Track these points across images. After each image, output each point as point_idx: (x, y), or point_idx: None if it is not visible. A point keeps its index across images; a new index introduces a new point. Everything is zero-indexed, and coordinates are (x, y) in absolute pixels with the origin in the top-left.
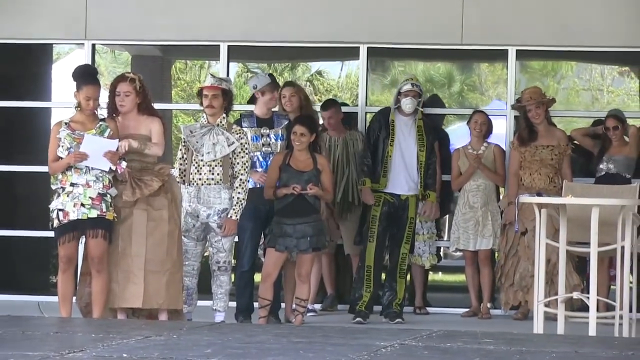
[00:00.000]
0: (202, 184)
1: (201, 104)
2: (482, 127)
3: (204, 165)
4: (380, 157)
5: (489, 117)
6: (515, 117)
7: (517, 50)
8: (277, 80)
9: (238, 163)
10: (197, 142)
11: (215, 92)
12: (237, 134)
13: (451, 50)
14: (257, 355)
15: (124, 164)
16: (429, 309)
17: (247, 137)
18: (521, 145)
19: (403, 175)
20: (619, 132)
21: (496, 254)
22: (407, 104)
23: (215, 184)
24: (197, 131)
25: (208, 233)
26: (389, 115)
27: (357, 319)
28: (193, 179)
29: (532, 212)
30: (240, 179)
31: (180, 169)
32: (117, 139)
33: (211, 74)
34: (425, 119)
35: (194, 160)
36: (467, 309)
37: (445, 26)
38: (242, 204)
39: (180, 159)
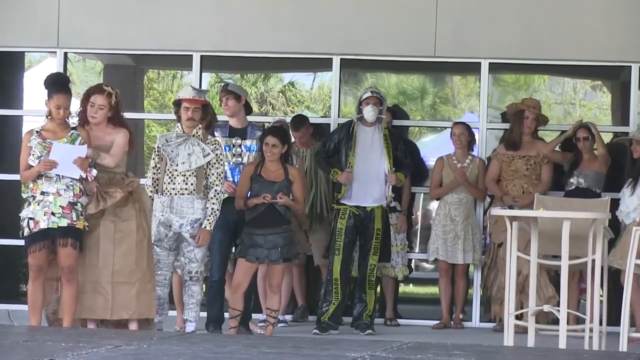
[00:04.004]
0: (176, 194)
1: (176, 113)
2: (461, 137)
3: (177, 175)
4: (343, 168)
5: (471, 128)
6: (488, 129)
7: (489, 63)
8: (230, 87)
9: (213, 174)
10: (172, 151)
11: (197, 105)
12: (213, 144)
13: (424, 63)
14: None
15: (94, 171)
16: (400, 321)
17: (222, 148)
18: (508, 149)
19: (368, 187)
20: (588, 144)
21: (471, 267)
22: (369, 111)
23: (188, 194)
24: (173, 141)
25: (180, 243)
26: (351, 127)
27: (315, 330)
28: (166, 188)
29: (505, 225)
30: (215, 190)
31: (153, 178)
32: (87, 145)
33: (192, 87)
34: (391, 128)
35: (168, 169)
36: (438, 321)
37: (418, 38)
38: (216, 215)
39: (153, 167)
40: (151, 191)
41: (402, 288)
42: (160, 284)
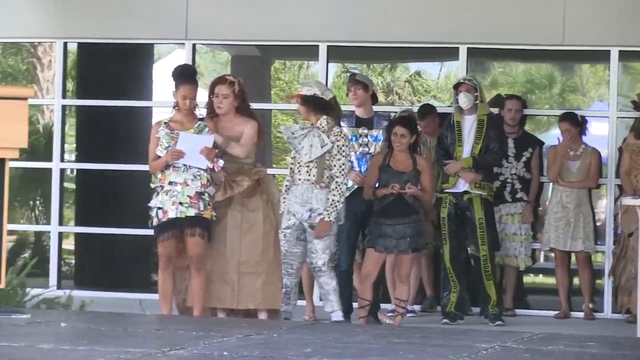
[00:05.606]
0: (301, 184)
1: None
2: (566, 134)
3: (303, 166)
4: (452, 159)
5: (577, 117)
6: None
7: (619, 51)
8: (357, 77)
9: (335, 165)
10: (299, 143)
11: (297, 99)
12: (335, 136)
13: (552, 51)
14: (357, 355)
15: (221, 162)
16: (527, 311)
17: (345, 140)
18: (637, 138)
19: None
20: None
21: (600, 256)
22: (462, 98)
23: (310, 184)
24: (298, 132)
25: (306, 233)
26: (453, 117)
27: (445, 320)
28: (295, 178)
29: (636, 214)
30: (336, 182)
31: (291, 168)
32: (213, 135)
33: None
34: (493, 115)
35: (297, 160)
36: (557, 312)
37: (546, 26)
38: (336, 206)
39: (292, 158)
40: (288, 180)
41: (531, 278)
42: (287, 274)
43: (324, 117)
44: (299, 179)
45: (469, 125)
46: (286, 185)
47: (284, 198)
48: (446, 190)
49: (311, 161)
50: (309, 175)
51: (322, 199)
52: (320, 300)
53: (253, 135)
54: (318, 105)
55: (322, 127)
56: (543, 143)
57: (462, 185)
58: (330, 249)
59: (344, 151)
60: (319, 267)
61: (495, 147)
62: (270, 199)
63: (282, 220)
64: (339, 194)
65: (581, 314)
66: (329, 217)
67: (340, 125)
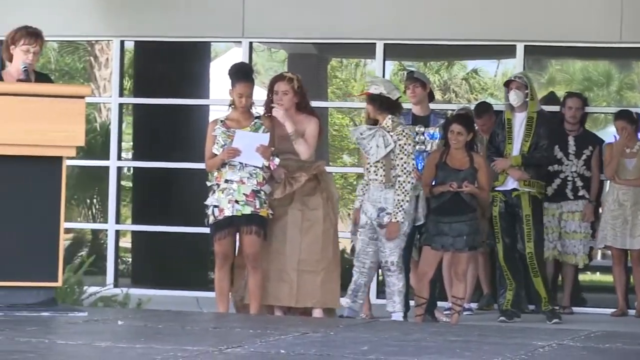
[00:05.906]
0: (372, 184)
1: None
2: (622, 132)
3: (372, 166)
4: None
5: (633, 115)
6: None
7: None
8: (415, 75)
9: (398, 165)
10: (367, 144)
11: (364, 97)
12: (398, 135)
13: (610, 49)
14: (414, 353)
15: (277, 160)
16: (583, 309)
17: (408, 139)
18: None
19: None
20: None
21: None
22: (511, 95)
23: (379, 184)
24: (366, 133)
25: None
26: (504, 115)
27: (501, 317)
28: (368, 179)
29: None
30: (399, 181)
31: (366, 168)
32: (269, 134)
33: (370, 78)
34: (544, 113)
35: (368, 160)
36: (615, 309)
37: (603, 24)
38: (401, 206)
39: (366, 159)
40: (364, 180)
41: (589, 276)
42: (359, 272)
43: (389, 116)
44: (370, 179)
45: (519, 123)
46: (362, 185)
47: (360, 197)
48: (496, 189)
49: (378, 161)
50: (377, 175)
51: (390, 199)
52: (377, 298)
53: (316, 135)
54: (384, 104)
55: (387, 126)
56: (603, 141)
57: (510, 183)
58: (400, 247)
59: (406, 150)
60: (388, 266)
61: (545, 145)
62: (330, 197)
63: (359, 219)
64: (403, 193)
65: None
66: (395, 218)
67: None
